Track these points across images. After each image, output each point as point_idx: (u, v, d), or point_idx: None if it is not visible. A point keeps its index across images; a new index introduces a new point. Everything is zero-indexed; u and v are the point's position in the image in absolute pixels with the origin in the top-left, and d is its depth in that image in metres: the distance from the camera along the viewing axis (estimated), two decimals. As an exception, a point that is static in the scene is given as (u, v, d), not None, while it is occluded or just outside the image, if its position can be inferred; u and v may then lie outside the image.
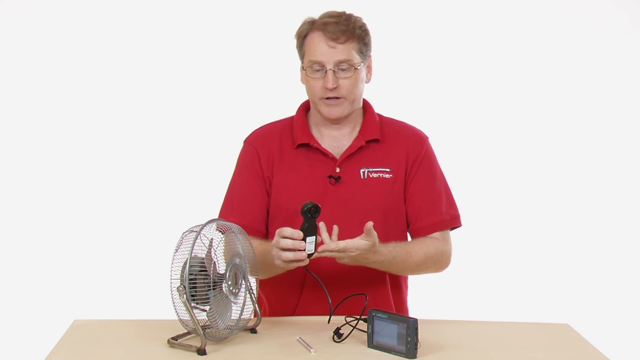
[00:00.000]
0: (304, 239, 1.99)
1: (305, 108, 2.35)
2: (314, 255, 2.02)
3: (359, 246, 2.05)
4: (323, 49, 2.18)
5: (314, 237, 2.01)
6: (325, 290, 2.11)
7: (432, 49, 4.19)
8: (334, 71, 2.18)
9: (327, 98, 2.21)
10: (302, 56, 2.26)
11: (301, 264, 2.03)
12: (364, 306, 2.03)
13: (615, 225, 4.22)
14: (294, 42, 2.28)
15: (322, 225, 2.05)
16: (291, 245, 1.99)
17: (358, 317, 2.01)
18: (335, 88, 2.19)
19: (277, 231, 2.02)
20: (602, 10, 4.18)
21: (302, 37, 2.24)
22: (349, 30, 2.19)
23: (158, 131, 4.14)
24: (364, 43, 2.22)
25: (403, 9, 4.14)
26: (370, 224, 2.04)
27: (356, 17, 2.24)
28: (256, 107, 3.90)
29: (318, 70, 2.20)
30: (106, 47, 4.10)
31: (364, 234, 2.05)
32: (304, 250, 2.00)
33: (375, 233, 2.07)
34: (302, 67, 2.25)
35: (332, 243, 2.03)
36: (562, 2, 4.18)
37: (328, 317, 2.12)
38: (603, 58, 4.19)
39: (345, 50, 2.19)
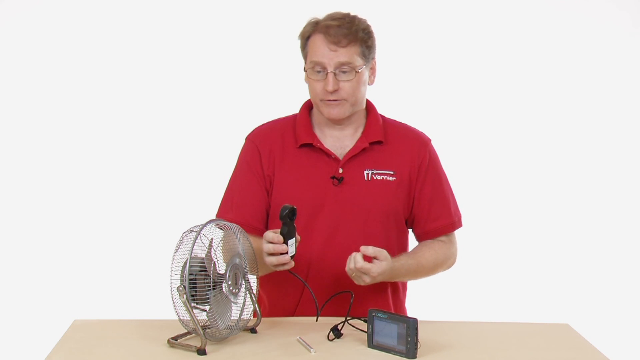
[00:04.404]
0: (285, 242, 2.02)
1: (308, 107, 2.34)
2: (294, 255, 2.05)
3: (379, 269, 2.06)
4: (324, 52, 2.17)
5: (294, 238, 2.04)
6: (311, 292, 2.15)
7: (433, 49, 4.18)
8: (334, 74, 2.17)
9: (328, 100, 2.21)
10: (305, 57, 2.25)
11: (286, 267, 2.05)
12: (362, 307, 2.06)
13: (615, 225, 4.22)
14: (296, 39, 2.28)
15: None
16: (272, 250, 2.02)
17: (345, 317, 2.03)
18: (336, 91, 2.18)
19: (264, 235, 2.05)
20: (602, 11, 4.18)
21: (305, 38, 2.23)
22: (351, 33, 2.17)
23: (158, 131, 4.13)
24: (367, 46, 2.21)
25: (405, 9, 4.14)
26: (369, 249, 2.05)
27: (360, 19, 2.22)
28: (257, 106, 3.89)
29: (319, 72, 2.19)
30: (106, 46, 4.10)
31: (377, 259, 2.06)
32: (287, 253, 2.02)
33: (385, 252, 2.08)
34: (305, 68, 2.25)
35: (360, 261, 2.04)
36: (562, 2, 4.18)
37: (329, 317, 2.13)
38: (604, 58, 4.19)
39: (347, 54, 2.17)
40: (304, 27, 2.24)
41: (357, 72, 2.19)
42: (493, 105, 4.22)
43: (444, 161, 2.39)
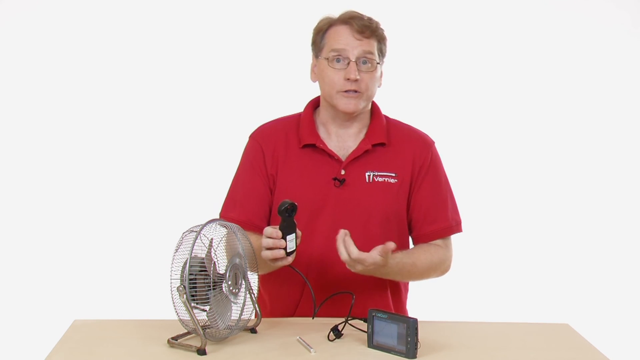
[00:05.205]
0: (283, 238, 2.01)
1: (313, 106, 2.35)
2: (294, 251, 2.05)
3: (374, 261, 2.05)
4: (348, 40, 2.20)
5: (294, 234, 2.04)
6: (310, 287, 2.16)
7: (433, 51, 4.19)
8: (356, 63, 2.19)
9: (346, 91, 2.21)
10: (320, 49, 2.25)
11: (284, 262, 2.05)
12: (362, 307, 2.05)
13: (615, 225, 4.22)
14: (298, 38, 2.28)
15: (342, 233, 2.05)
16: (271, 244, 2.02)
17: (347, 317, 2.03)
18: (357, 81, 2.19)
19: (264, 231, 2.05)
20: (602, 10, 4.18)
21: (323, 31, 2.25)
22: (372, 28, 2.22)
23: (159, 131, 4.13)
24: (384, 44, 2.25)
25: (407, 10, 4.14)
26: (391, 245, 2.04)
27: (377, 21, 2.26)
28: (258, 105, 3.89)
29: (339, 61, 2.21)
30: (108, 45, 4.09)
31: (381, 250, 2.05)
32: (285, 248, 2.02)
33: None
34: (319, 59, 2.24)
35: (353, 249, 2.03)
36: (562, 2, 4.18)
37: (329, 317, 2.13)
38: (604, 58, 4.19)
39: (369, 44, 2.21)
40: (320, 22, 2.26)
41: (377, 64, 2.22)
42: (492, 105, 4.22)
43: (446, 162, 2.38)
